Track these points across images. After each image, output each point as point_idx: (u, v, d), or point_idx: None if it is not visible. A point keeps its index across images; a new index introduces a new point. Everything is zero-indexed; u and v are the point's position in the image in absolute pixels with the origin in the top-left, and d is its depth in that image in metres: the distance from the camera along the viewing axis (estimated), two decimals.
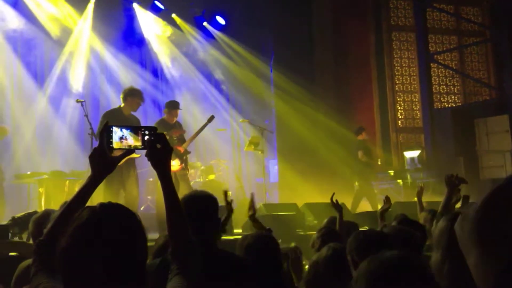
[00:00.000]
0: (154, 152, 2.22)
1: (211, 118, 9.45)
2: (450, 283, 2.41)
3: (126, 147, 2.26)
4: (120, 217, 1.79)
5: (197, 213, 3.03)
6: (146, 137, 2.25)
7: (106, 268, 1.70)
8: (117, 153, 2.24)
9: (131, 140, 2.26)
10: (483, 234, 1.41)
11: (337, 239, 3.99)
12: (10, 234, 6.12)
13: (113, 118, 8.29)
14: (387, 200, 5.58)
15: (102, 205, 1.80)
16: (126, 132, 2.26)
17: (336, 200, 5.08)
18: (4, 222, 6.37)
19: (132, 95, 8.56)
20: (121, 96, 8.66)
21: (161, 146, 2.21)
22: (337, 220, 4.91)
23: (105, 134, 2.22)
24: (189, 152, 9.54)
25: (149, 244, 1.85)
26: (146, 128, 2.29)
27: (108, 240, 1.71)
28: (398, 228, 3.70)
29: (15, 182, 10.89)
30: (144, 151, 2.24)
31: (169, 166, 2.24)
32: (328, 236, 4.24)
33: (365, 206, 11.58)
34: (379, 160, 12.23)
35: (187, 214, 3.07)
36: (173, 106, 9.31)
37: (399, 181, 13.24)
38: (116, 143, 2.24)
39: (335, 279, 3.19)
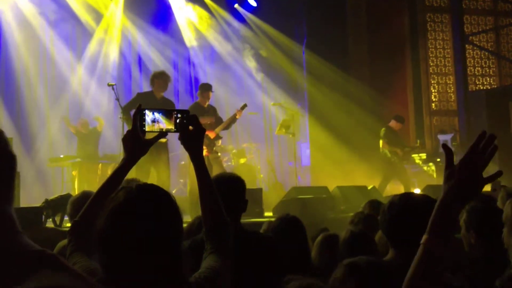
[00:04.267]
0: (187, 134, 2.24)
1: (244, 106, 9.46)
2: None
3: (159, 130, 2.28)
4: (157, 198, 1.80)
5: (226, 193, 3.11)
6: (179, 120, 2.27)
7: (143, 248, 1.72)
8: (149, 136, 2.27)
9: (164, 123, 2.28)
10: None
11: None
12: (43, 216, 6.20)
13: (146, 100, 8.39)
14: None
15: (138, 186, 1.82)
16: (158, 115, 2.29)
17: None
18: (38, 204, 6.47)
19: (158, 76, 8.68)
20: (150, 82, 8.76)
21: (193, 128, 2.23)
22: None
23: (138, 117, 2.25)
24: (220, 137, 9.57)
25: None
26: (179, 111, 2.30)
27: (145, 221, 1.73)
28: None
29: (50, 166, 11.05)
30: (177, 134, 2.26)
31: (201, 148, 2.26)
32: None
33: (396, 189, 11.48)
34: (409, 149, 11.98)
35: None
36: (205, 88, 9.38)
37: (432, 164, 13.08)
38: (148, 126, 2.27)
39: None
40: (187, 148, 2.24)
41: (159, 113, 2.29)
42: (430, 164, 13.11)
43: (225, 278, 2.06)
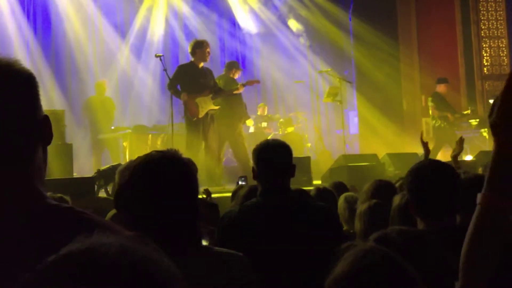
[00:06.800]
0: None
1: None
2: None
3: None
4: (172, 163, 1.95)
5: (275, 159, 3.10)
6: None
7: (160, 206, 1.87)
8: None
9: None
10: None
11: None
12: (96, 186, 6.36)
13: (187, 71, 8.52)
14: (460, 142, 5.17)
15: (158, 151, 2.01)
16: None
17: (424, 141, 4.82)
18: (90, 175, 6.63)
19: (200, 46, 8.67)
20: (189, 50, 8.77)
21: None
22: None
23: None
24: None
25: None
26: None
27: (158, 180, 1.89)
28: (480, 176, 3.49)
29: (100, 137, 11.24)
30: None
31: None
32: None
33: (448, 156, 11.27)
34: (459, 115, 11.73)
35: (264, 162, 3.11)
36: (233, 66, 9.48)
37: (484, 130, 12.78)
38: None
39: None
40: None
41: None
42: (483, 130, 12.82)
43: None
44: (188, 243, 1.92)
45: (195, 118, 8.28)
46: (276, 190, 3.11)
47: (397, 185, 4.18)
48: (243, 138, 9.18)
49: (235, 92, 8.88)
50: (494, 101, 1.40)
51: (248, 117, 10.00)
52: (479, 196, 1.42)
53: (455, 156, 4.93)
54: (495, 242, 1.41)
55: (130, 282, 0.78)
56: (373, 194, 3.67)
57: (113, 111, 11.13)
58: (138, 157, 2.02)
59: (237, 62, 9.82)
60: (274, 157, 3.13)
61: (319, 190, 4.30)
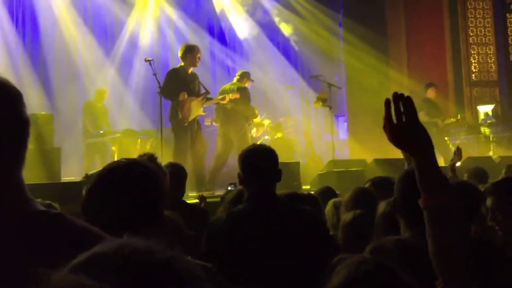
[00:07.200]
0: None
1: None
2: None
3: None
4: (138, 171, 1.99)
5: (260, 164, 3.10)
6: None
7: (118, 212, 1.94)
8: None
9: None
10: None
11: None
12: (83, 191, 6.32)
13: (177, 76, 8.51)
14: (458, 152, 5.25)
15: (127, 159, 2.08)
16: None
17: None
18: (78, 179, 6.59)
19: (191, 51, 8.65)
20: (180, 55, 8.74)
21: None
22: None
23: None
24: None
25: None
26: None
27: (122, 187, 1.96)
28: (463, 182, 3.52)
29: (90, 141, 11.20)
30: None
31: None
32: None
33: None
34: (449, 119, 11.86)
35: (250, 167, 3.11)
36: (243, 76, 9.73)
37: (473, 136, 12.86)
38: None
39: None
40: None
41: None
42: (471, 136, 12.90)
43: None
44: None
45: (186, 123, 8.23)
46: (263, 195, 3.09)
47: (366, 185, 4.17)
48: (246, 141, 9.04)
49: (221, 101, 8.96)
50: (383, 127, 1.82)
51: (256, 116, 10.13)
52: (419, 201, 1.68)
53: (453, 165, 4.99)
54: (448, 236, 1.61)
55: (157, 278, 0.84)
56: (356, 201, 3.66)
57: (106, 117, 11.14)
58: (107, 164, 2.08)
59: (249, 72, 9.91)
60: (260, 162, 3.12)
61: (304, 196, 4.31)
